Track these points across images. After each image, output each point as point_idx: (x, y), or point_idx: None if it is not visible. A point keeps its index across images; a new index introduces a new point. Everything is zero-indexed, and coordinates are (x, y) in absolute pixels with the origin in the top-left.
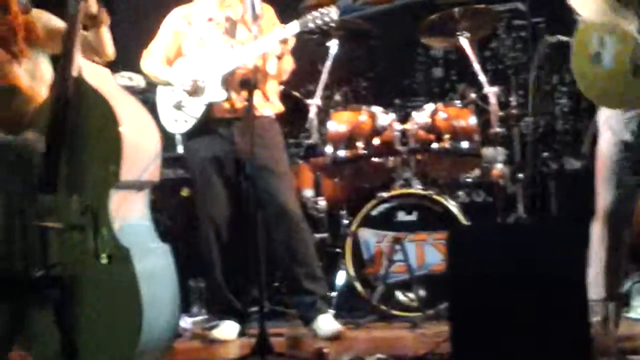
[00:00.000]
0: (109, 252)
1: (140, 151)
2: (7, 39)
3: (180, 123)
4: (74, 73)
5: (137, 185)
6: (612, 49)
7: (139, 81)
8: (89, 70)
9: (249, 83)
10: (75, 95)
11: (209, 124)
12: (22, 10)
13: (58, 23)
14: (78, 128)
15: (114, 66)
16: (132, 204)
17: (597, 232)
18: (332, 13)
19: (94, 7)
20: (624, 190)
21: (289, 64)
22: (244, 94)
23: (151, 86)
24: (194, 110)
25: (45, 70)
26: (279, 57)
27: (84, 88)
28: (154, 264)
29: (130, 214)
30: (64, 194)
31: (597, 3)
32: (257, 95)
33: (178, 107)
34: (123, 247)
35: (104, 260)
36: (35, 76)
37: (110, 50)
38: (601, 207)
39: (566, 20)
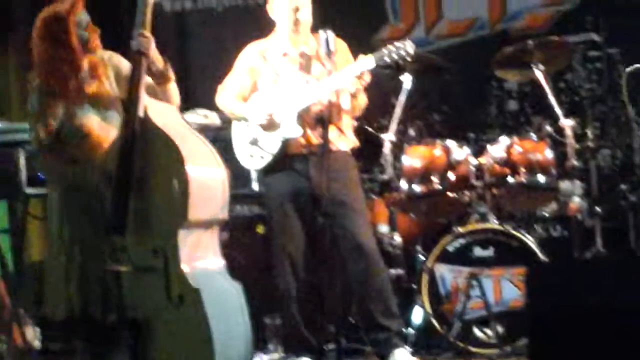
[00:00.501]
0: (180, 292)
1: (208, 189)
2: (67, 76)
3: (256, 159)
4: (140, 113)
5: (205, 224)
6: None
7: (213, 118)
8: (155, 109)
9: (323, 119)
10: (142, 135)
11: (284, 159)
12: (85, 47)
13: (127, 68)
14: (145, 168)
15: (190, 103)
16: (202, 242)
17: None
18: (407, 47)
19: (159, 63)
20: None
21: (363, 100)
22: (319, 129)
23: (226, 123)
24: (270, 146)
25: (116, 113)
26: (354, 94)
27: (150, 127)
28: (226, 303)
29: (200, 253)
30: (134, 235)
31: None
32: (332, 130)
33: (254, 143)
34: (193, 287)
35: (175, 301)
36: (105, 119)
37: (177, 101)
38: None
39: None
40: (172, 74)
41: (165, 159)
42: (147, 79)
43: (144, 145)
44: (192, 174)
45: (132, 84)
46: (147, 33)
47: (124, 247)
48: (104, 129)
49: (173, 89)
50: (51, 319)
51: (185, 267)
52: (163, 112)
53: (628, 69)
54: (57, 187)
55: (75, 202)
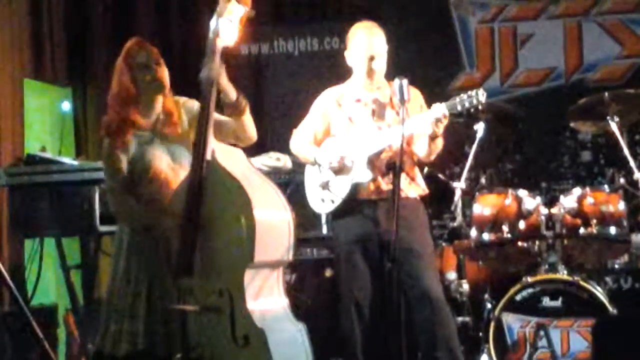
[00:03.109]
0: (245, 333)
1: (273, 231)
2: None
3: (326, 203)
4: (208, 156)
5: (271, 265)
6: None
7: (285, 161)
8: (222, 153)
9: (394, 165)
10: (209, 177)
11: (354, 204)
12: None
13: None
14: (212, 210)
15: (263, 146)
16: (267, 283)
17: None
18: (480, 96)
19: (232, 94)
20: None
21: (439, 144)
22: (390, 176)
23: (298, 166)
24: (340, 190)
25: (186, 156)
26: (433, 138)
27: (217, 170)
28: (290, 343)
29: (265, 294)
30: (200, 276)
31: None
32: (402, 177)
33: (325, 186)
34: (258, 328)
35: (241, 342)
36: (175, 160)
37: (253, 134)
38: None
39: None
40: (246, 105)
41: (233, 201)
42: (219, 116)
43: (211, 187)
44: (259, 216)
45: (201, 116)
46: (216, 65)
47: (191, 287)
48: (173, 169)
49: (248, 120)
50: (123, 354)
51: (250, 307)
52: (230, 154)
53: None
54: (126, 226)
55: (144, 242)
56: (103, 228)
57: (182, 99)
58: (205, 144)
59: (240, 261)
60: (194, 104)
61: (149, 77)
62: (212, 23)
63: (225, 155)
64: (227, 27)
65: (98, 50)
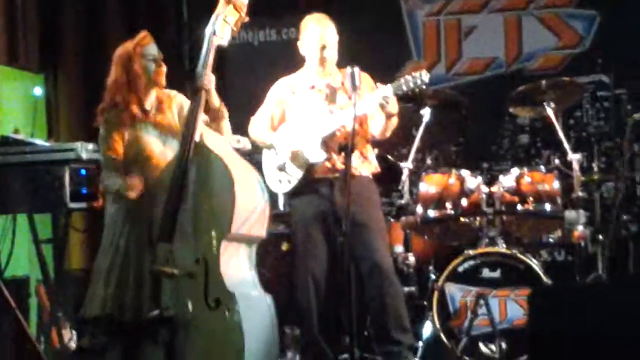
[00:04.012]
0: (217, 297)
1: (251, 209)
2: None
3: (283, 183)
4: (197, 137)
5: (245, 239)
6: None
7: (245, 144)
8: (209, 136)
9: (347, 145)
10: (196, 155)
11: (310, 183)
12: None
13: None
14: (197, 186)
15: None
16: (241, 255)
17: None
18: (423, 76)
19: (217, 102)
20: None
21: (394, 122)
22: (343, 155)
23: (256, 148)
24: (296, 172)
25: (175, 143)
26: (388, 116)
27: (204, 149)
28: (257, 310)
29: (238, 265)
30: (180, 244)
31: None
32: (356, 156)
33: (281, 168)
34: (230, 292)
35: (212, 305)
36: (165, 145)
37: (229, 134)
38: None
39: None
40: (225, 113)
41: (216, 177)
42: (203, 116)
43: (197, 165)
44: (239, 193)
45: (191, 114)
46: (210, 72)
47: (169, 253)
48: (163, 154)
49: (226, 126)
50: (92, 316)
51: (223, 273)
52: (216, 139)
53: (635, 115)
54: (119, 201)
55: (130, 214)
56: (73, 205)
57: (173, 92)
58: (195, 127)
59: (219, 232)
60: (183, 99)
61: (157, 69)
62: (211, 22)
63: (212, 138)
64: (224, 28)
65: (69, 38)
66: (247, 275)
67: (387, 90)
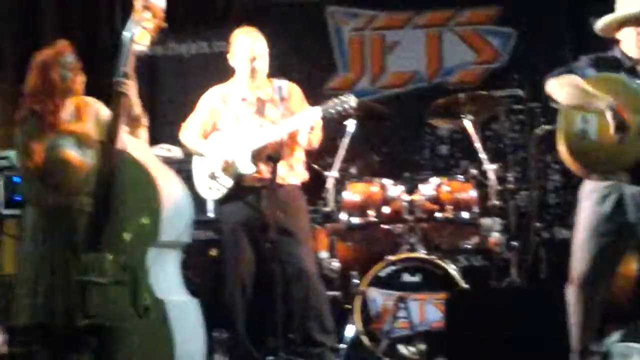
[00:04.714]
0: (146, 305)
1: (176, 215)
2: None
3: (213, 191)
4: (119, 146)
5: (171, 245)
6: (595, 124)
7: (176, 152)
8: (132, 144)
9: (273, 157)
10: (120, 165)
11: (239, 190)
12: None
13: (105, 114)
14: (122, 194)
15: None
16: (167, 261)
17: (571, 294)
18: (351, 101)
19: (137, 109)
20: (598, 257)
21: (319, 135)
22: (270, 165)
23: (188, 156)
24: (226, 180)
25: (93, 152)
26: (312, 129)
27: (127, 158)
28: (186, 315)
29: (165, 271)
30: (107, 252)
31: (569, 88)
32: (283, 166)
33: (212, 177)
34: (159, 300)
35: (142, 313)
36: (83, 155)
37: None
38: (576, 271)
39: None
40: (145, 121)
41: (141, 185)
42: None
43: (121, 174)
44: (165, 201)
45: (112, 121)
46: (130, 78)
47: (97, 262)
48: (82, 162)
49: (143, 133)
50: (22, 325)
51: (152, 282)
52: (139, 146)
53: (537, 130)
54: (39, 209)
55: (51, 222)
56: (6, 211)
57: (92, 100)
58: (117, 134)
59: (146, 240)
60: (101, 106)
61: (75, 77)
62: (128, 28)
63: (135, 146)
64: (141, 34)
65: (2, 44)
66: (174, 281)
67: (316, 113)
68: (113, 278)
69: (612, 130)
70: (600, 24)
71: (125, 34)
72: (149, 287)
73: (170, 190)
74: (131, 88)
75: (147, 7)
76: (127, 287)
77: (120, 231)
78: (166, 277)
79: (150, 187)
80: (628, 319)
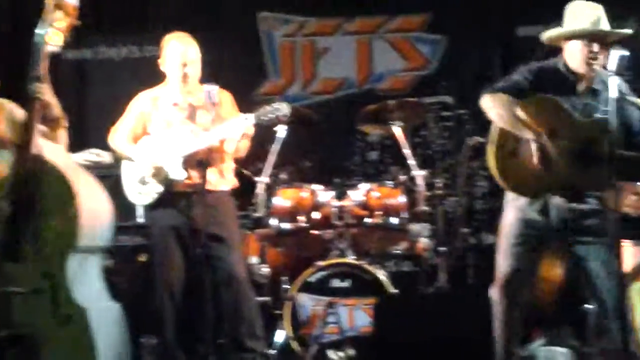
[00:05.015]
0: (67, 312)
1: (95, 220)
2: None
3: (143, 196)
4: (34, 150)
5: (91, 250)
6: (526, 146)
7: (105, 157)
8: (48, 148)
9: (203, 162)
10: (35, 171)
11: (169, 196)
12: None
13: (20, 114)
14: (39, 200)
15: (85, 144)
16: (87, 267)
17: (496, 297)
18: (283, 109)
19: (56, 109)
20: (522, 263)
21: (246, 143)
22: (201, 171)
23: (117, 161)
24: (156, 186)
25: (7, 154)
26: (240, 138)
27: (43, 164)
28: (108, 322)
29: (85, 277)
30: (26, 260)
31: (502, 111)
32: (213, 172)
33: (142, 182)
34: (80, 307)
35: (63, 321)
36: None
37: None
38: (500, 275)
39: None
40: (65, 122)
41: (58, 193)
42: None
43: (37, 180)
44: (82, 206)
45: (26, 126)
46: (42, 81)
47: (16, 270)
48: None
49: (63, 135)
50: None
51: (72, 289)
52: (55, 151)
53: (469, 141)
54: None
55: None
56: None
57: (4, 101)
58: (31, 139)
59: (64, 246)
60: (13, 107)
61: None
62: (39, 30)
63: (51, 151)
64: (53, 34)
65: None
66: (95, 287)
67: (248, 120)
68: (32, 286)
69: (534, 160)
70: (547, 34)
71: (37, 34)
72: (70, 294)
73: (89, 194)
74: (45, 90)
75: (58, 6)
76: (47, 295)
77: (38, 238)
78: (87, 283)
79: (67, 192)
80: (551, 324)
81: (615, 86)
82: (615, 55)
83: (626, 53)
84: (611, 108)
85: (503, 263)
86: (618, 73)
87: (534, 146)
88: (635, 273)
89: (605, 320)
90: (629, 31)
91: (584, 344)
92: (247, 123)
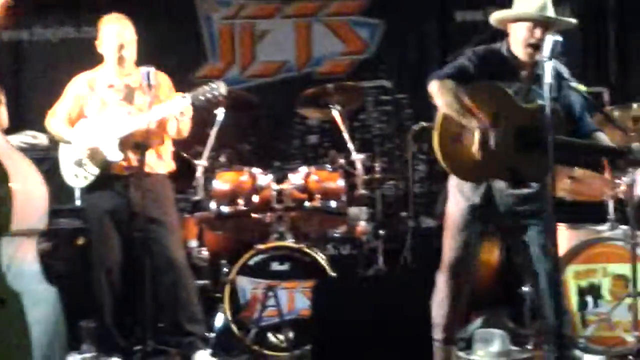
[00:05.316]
0: (1, 296)
1: (29, 203)
2: None
3: (80, 179)
4: None
5: (26, 233)
6: (470, 133)
7: (42, 139)
8: None
9: (141, 145)
10: None
11: (106, 179)
12: None
13: None
14: None
15: (21, 126)
16: (23, 250)
17: (442, 281)
18: (220, 88)
19: None
20: (468, 247)
21: (187, 124)
22: (138, 154)
23: (54, 144)
24: (93, 169)
25: None
26: (181, 118)
27: None
28: (43, 305)
29: (21, 260)
30: None
31: (449, 98)
32: (151, 154)
33: (79, 164)
34: (14, 290)
35: None
36: None
37: (4, 123)
38: (446, 260)
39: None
40: (2, 98)
41: None
42: None
43: None
44: (16, 188)
45: None
46: None
47: None
48: None
49: (2, 112)
50: None
51: (6, 272)
52: None
53: (414, 127)
54: None
55: None
56: None
57: None
58: None
59: None
60: None
61: None
62: None
63: None
64: None
65: None
66: (31, 270)
67: (185, 101)
68: None
69: (475, 148)
70: (494, 15)
71: None
72: (3, 277)
73: (24, 177)
74: None
75: None
76: None
77: None
78: (22, 267)
79: (1, 175)
80: (489, 306)
81: (549, 71)
82: (549, 40)
83: (559, 38)
84: (547, 94)
85: (449, 248)
86: (551, 58)
87: (476, 134)
88: (569, 256)
89: (540, 302)
90: (574, 21)
91: (520, 326)
92: (184, 102)
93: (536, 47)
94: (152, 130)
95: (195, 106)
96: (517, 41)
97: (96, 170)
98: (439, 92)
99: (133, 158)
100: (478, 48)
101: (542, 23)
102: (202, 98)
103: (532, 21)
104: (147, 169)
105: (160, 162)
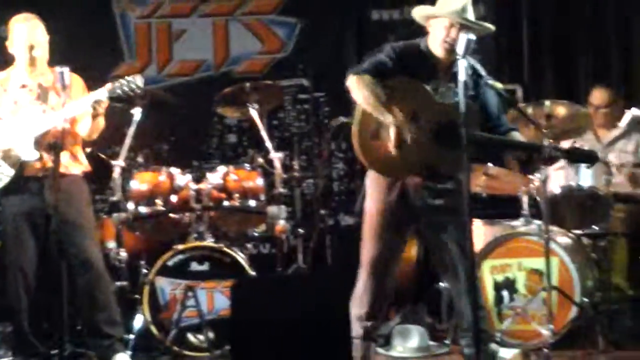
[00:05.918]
0: None
1: None
2: None
3: None
4: None
5: None
6: (387, 129)
7: None
8: None
9: (56, 145)
10: None
11: (21, 180)
12: None
13: None
14: None
15: None
16: None
17: (362, 278)
18: (137, 81)
19: None
20: (387, 244)
21: (101, 124)
22: (53, 154)
23: None
24: (8, 170)
25: None
26: (94, 117)
27: None
28: None
29: None
30: None
31: (367, 92)
32: (66, 155)
33: None
34: None
35: None
36: None
37: None
38: (366, 257)
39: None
40: None
41: None
42: None
43: None
44: None
45: None
46: None
47: None
48: None
49: None
50: None
51: None
52: None
53: (333, 122)
54: None
55: None
56: None
57: None
58: None
59: None
60: None
61: None
62: None
63: None
64: None
65: None
66: None
67: (101, 93)
68: None
69: (390, 145)
70: (415, 10)
71: None
72: None
73: None
74: None
75: None
76: None
77: None
78: None
79: None
80: (407, 302)
81: (463, 69)
82: (463, 39)
83: (473, 37)
84: (461, 91)
85: (369, 246)
86: (464, 56)
87: (392, 130)
88: (485, 251)
89: (457, 298)
90: (492, 27)
91: (437, 321)
92: (99, 96)
93: (451, 46)
94: (66, 130)
95: (113, 100)
96: (435, 39)
97: (11, 171)
98: (356, 86)
99: (47, 159)
100: (397, 44)
101: (460, 24)
102: (119, 91)
103: (451, 21)
104: (61, 170)
105: (75, 162)
